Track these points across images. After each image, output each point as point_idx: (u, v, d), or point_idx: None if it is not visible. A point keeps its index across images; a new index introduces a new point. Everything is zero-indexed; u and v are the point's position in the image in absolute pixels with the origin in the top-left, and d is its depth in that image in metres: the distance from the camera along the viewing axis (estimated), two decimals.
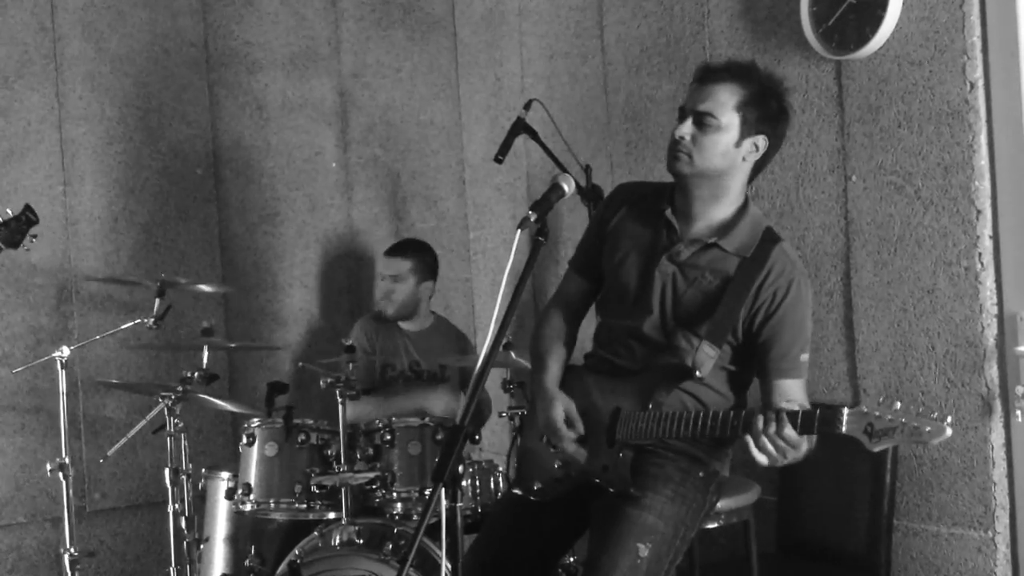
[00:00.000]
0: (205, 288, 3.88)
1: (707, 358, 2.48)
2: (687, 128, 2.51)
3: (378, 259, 4.76)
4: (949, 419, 2.14)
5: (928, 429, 2.13)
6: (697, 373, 2.48)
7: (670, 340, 2.56)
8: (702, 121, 2.49)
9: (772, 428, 2.26)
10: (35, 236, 3.37)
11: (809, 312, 2.56)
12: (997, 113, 3.04)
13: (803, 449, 2.29)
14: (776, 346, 2.50)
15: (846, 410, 2.20)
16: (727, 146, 2.50)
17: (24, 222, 3.33)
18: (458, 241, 5.02)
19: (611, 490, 2.53)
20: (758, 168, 2.59)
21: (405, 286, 4.26)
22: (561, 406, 2.59)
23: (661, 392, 2.51)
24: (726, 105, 2.49)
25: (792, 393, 2.48)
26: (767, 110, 2.52)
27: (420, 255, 4.30)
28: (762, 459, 2.31)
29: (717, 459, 2.62)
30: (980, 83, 3.05)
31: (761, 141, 2.53)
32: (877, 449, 2.18)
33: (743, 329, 2.52)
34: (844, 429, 2.19)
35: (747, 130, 2.51)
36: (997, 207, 3.05)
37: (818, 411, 2.24)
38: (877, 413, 2.16)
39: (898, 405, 2.16)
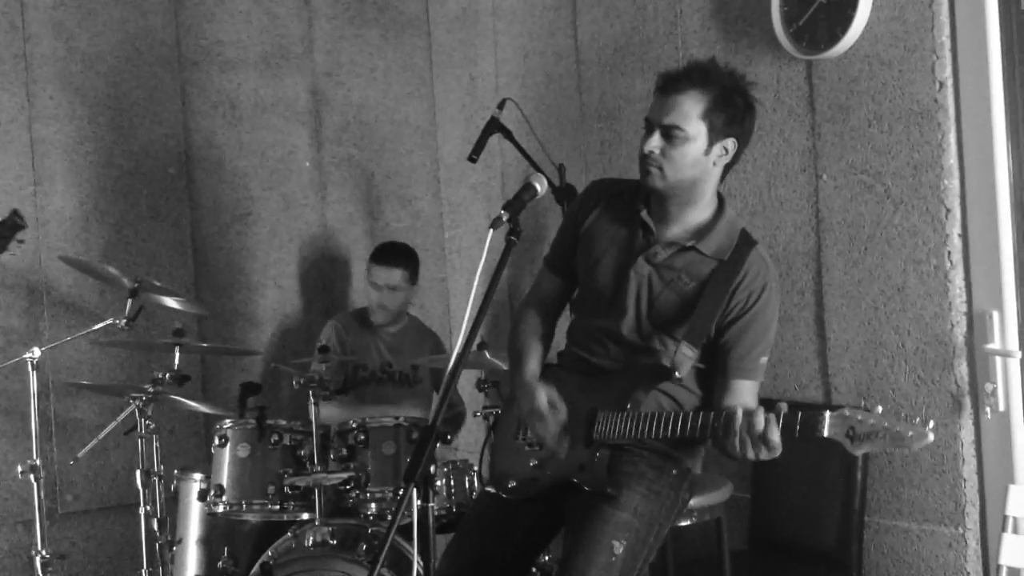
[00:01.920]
0: (176, 306, 3.81)
1: (686, 359, 2.49)
2: (655, 142, 2.49)
3: (354, 258, 4.76)
4: (931, 424, 2.14)
5: (910, 434, 2.13)
6: (677, 374, 2.49)
7: (646, 341, 2.57)
8: (669, 134, 2.47)
9: (756, 431, 2.27)
10: (22, 241, 3.32)
11: (776, 316, 2.58)
12: (966, 112, 3.06)
13: (779, 450, 2.31)
14: (739, 346, 2.52)
15: (828, 414, 2.20)
16: (697, 156, 2.49)
17: (10, 226, 3.27)
18: (433, 241, 5.01)
19: (587, 489, 2.54)
20: (727, 169, 2.60)
21: (400, 295, 4.27)
22: (544, 393, 2.59)
23: (639, 392, 2.52)
24: (691, 115, 2.47)
25: (744, 394, 2.51)
26: (733, 112, 2.50)
27: (412, 263, 4.31)
28: (742, 454, 2.32)
29: (690, 457, 2.63)
30: (949, 82, 3.07)
31: (730, 144, 2.53)
32: (859, 453, 2.19)
33: (715, 329, 2.54)
34: (826, 433, 2.20)
35: (715, 136, 2.49)
36: (966, 206, 3.07)
37: (800, 414, 2.25)
38: (859, 417, 2.17)
39: (880, 409, 2.17)
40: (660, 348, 2.55)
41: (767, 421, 2.26)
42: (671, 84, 2.50)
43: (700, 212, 2.58)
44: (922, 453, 3.17)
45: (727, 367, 2.53)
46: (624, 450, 2.57)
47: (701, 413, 2.40)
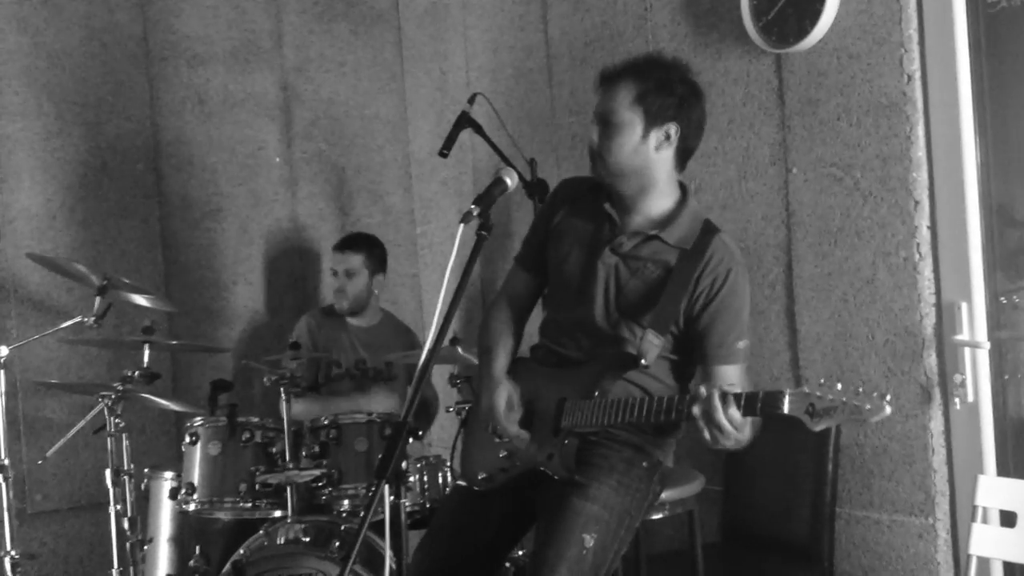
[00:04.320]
0: (145, 303, 3.77)
1: (652, 347, 2.51)
2: (595, 134, 2.57)
3: (325, 254, 4.73)
4: (888, 397, 2.17)
5: (868, 407, 2.15)
6: (643, 361, 2.51)
7: (615, 330, 2.59)
8: (604, 122, 2.54)
9: (716, 410, 2.27)
10: None
11: (747, 301, 2.59)
12: (934, 105, 3.08)
13: (747, 432, 2.30)
14: (714, 333, 2.53)
15: (788, 391, 2.22)
16: (633, 143, 2.53)
17: None
18: (404, 236, 5.00)
19: (556, 478, 2.54)
20: (683, 155, 2.61)
21: (359, 280, 4.25)
22: (505, 392, 2.63)
23: (607, 381, 2.53)
24: (623, 103, 2.52)
25: (731, 379, 2.51)
26: (670, 98, 2.53)
27: (371, 248, 4.29)
28: (708, 439, 2.32)
29: (660, 449, 2.64)
30: (917, 75, 3.09)
31: (672, 129, 2.55)
32: (818, 428, 2.20)
33: (684, 318, 2.55)
34: (786, 410, 2.21)
35: (652, 122, 2.53)
36: (934, 198, 3.09)
37: (761, 393, 2.26)
38: (818, 393, 2.18)
39: (839, 386, 2.19)
40: (628, 337, 2.57)
41: (725, 400, 2.26)
42: (606, 76, 2.58)
43: (660, 201, 2.61)
44: (891, 444, 3.19)
45: (706, 355, 2.55)
46: (594, 443, 2.58)
47: (666, 397, 2.42)
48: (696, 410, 2.29)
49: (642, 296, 2.56)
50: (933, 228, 3.09)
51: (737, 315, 2.55)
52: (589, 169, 2.61)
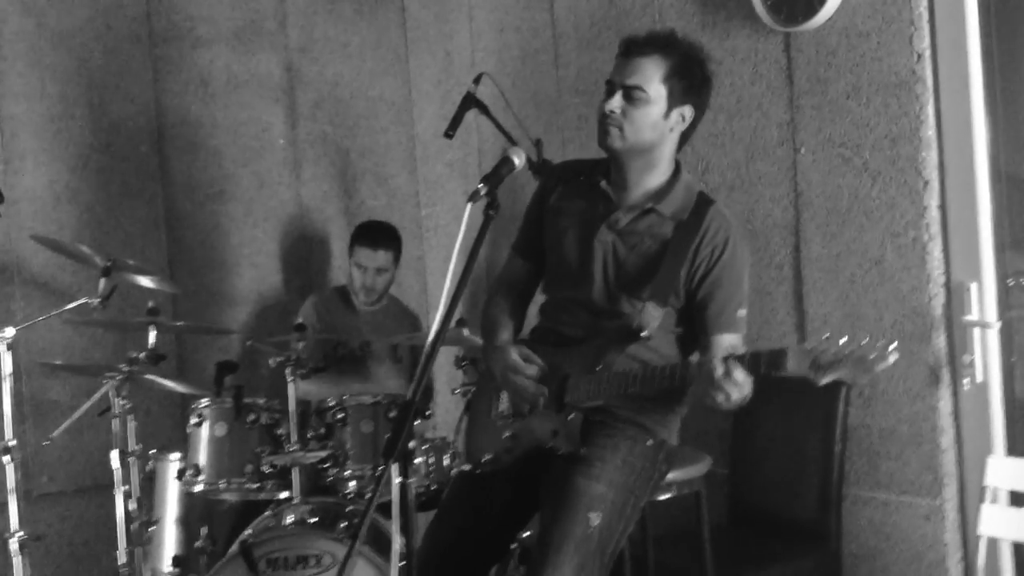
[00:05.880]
0: (150, 284, 3.75)
1: (652, 318, 2.52)
2: (616, 102, 2.53)
3: (330, 236, 4.72)
4: (895, 344, 2.14)
5: (872, 356, 2.12)
6: (644, 333, 2.51)
7: (614, 306, 2.59)
8: (631, 95, 2.52)
9: (720, 372, 2.27)
10: None
11: (746, 269, 2.60)
12: (944, 83, 3.06)
13: (748, 388, 2.29)
14: (714, 302, 2.53)
15: (790, 347, 2.21)
16: (656, 118, 2.53)
17: None
18: (410, 218, 4.98)
19: (560, 454, 2.54)
20: (684, 137, 2.63)
21: (387, 276, 4.28)
22: (515, 349, 2.63)
23: (609, 355, 2.53)
24: (653, 78, 2.52)
25: (731, 347, 2.51)
26: (692, 80, 2.56)
27: (399, 243, 4.32)
28: (712, 401, 2.31)
29: (665, 427, 2.63)
30: (927, 54, 3.06)
31: (688, 111, 2.57)
32: (823, 382, 2.18)
33: (684, 290, 2.55)
34: (790, 367, 2.20)
35: (674, 101, 2.54)
36: (944, 177, 3.07)
37: (765, 352, 2.26)
38: (822, 348, 2.16)
39: (843, 340, 2.17)
40: (628, 311, 2.56)
41: (729, 361, 2.26)
42: (635, 47, 2.56)
43: (656, 177, 2.62)
44: (900, 425, 3.18)
45: (706, 324, 2.55)
46: (598, 423, 2.57)
47: (669, 365, 2.43)
48: (701, 372, 2.29)
49: (641, 270, 2.57)
50: (943, 208, 3.07)
51: (737, 283, 2.56)
52: (599, 136, 2.58)
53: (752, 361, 2.26)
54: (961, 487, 3.11)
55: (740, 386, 2.27)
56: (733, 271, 2.55)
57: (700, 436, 3.44)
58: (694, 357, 2.33)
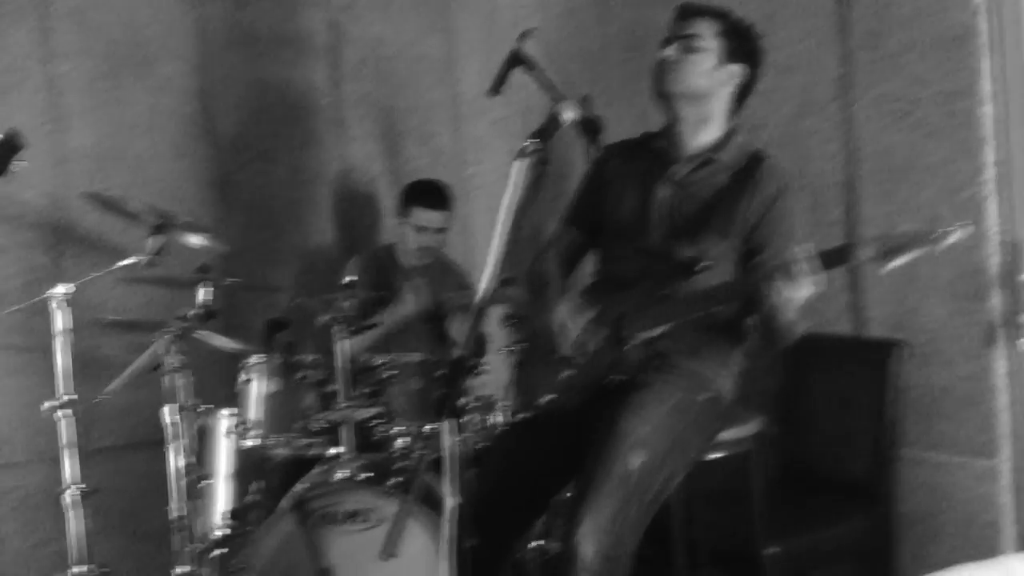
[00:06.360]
0: (199, 242, 3.76)
1: (709, 255, 2.58)
2: (672, 50, 2.68)
3: (376, 195, 4.72)
4: (958, 223, 2.27)
5: (935, 235, 2.26)
6: (702, 265, 2.57)
7: (672, 249, 2.64)
8: (688, 44, 2.67)
9: (796, 264, 2.31)
10: (22, 162, 3.23)
11: (795, 220, 2.64)
12: (1003, 36, 2.99)
13: (812, 290, 2.35)
14: (769, 248, 2.58)
15: (860, 240, 2.35)
16: (710, 67, 2.66)
17: (9, 147, 3.18)
18: (454, 178, 4.95)
19: (617, 382, 2.57)
20: (738, 99, 2.72)
21: (443, 236, 4.27)
22: (568, 301, 2.69)
23: (667, 288, 2.59)
24: (707, 32, 2.68)
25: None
26: (744, 43, 2.71)
27: (452, 202, 4.29)
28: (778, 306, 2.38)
29: (721, 377, 2.66)
30: (984, 6, 3.00)
31: (738, 69, 2.69)
32: (889, 267, 2.28)
33: (740, 239, 2.61)
34: (862, 256, 2.31)
35: (726, 56, 2.68)
36: (1007, 132, 3.01)
37: (833, 248, 2.36)
38: (888, 236, 2.29)
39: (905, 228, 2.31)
40: (686, 253, 2.62)
41: (796, 260, 2.31)
42: (690, 11, 2.73)
43: (711, 132, 2.72)
44: (955, 385, 3.14)
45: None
46: (654, 369, 2.61)
47: (726, 281, 2.53)
48: (769, 275, 2.34)
49: (697, 214, 2.64)
50: (1005, 164, 3.01)
51: (790, 232, 2.60)
52: (655, 84, 2.68)
53: (824, 254, 2.33)
54: (1017, 448, 3.07)
55: (809, 285, 2.31)
56: (787, 220, 2.61)
57: (750, 397, 3.41)
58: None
